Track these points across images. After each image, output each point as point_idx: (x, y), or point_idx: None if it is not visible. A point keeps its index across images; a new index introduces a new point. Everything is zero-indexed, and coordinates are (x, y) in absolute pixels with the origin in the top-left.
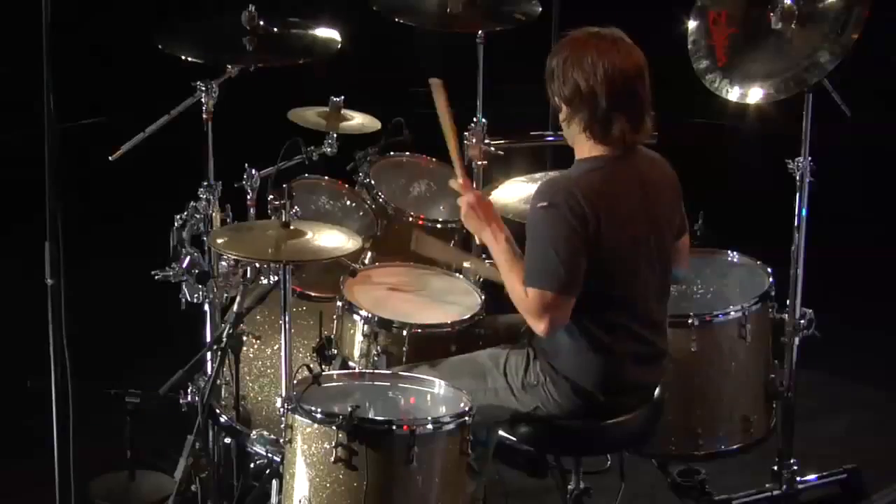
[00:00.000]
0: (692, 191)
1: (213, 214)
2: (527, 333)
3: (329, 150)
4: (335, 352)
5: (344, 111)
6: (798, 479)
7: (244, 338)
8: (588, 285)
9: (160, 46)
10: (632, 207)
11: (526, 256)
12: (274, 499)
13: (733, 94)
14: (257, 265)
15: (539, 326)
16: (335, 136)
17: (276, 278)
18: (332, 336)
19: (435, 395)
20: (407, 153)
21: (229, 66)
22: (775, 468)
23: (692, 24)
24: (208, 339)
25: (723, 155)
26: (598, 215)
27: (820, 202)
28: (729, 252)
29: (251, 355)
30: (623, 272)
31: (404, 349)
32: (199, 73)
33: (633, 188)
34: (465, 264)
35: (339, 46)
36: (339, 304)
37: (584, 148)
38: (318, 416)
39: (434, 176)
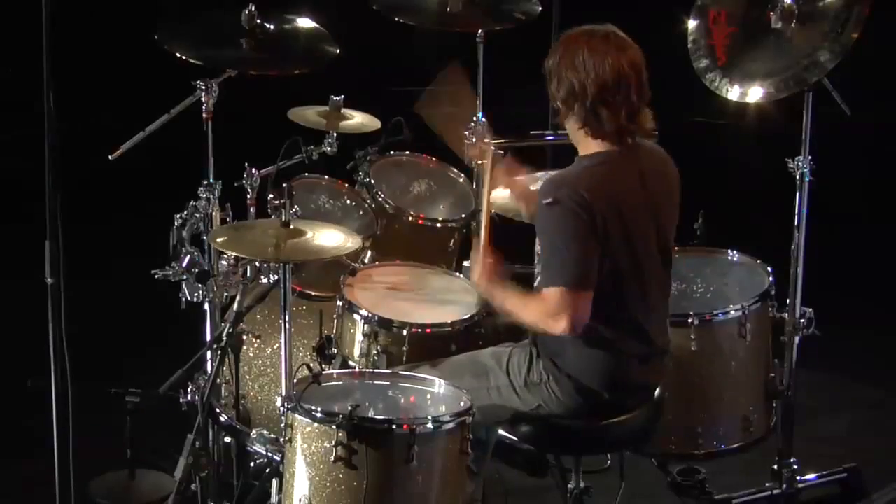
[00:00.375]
0: (692, 191)
1: (213, 213)
2: (530, 332)
3: (329, 149)
4: (335, 351)
5: (344, 110)
6: (798, 478)
7: (244, 337)
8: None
9: (156, 38)
10: (635, 202)
11: (541, 259)
12: (274, 498)
13: (733, 93)
14: (257, 264)
15: (560, 325)
16: (335, 135)
17: (276, 277)
18: (332, 335)
19: (435, 394)
20: (407, 153)
21: None
22: (775, 467)
23: (692, 24)
24: (208, 338)
25: (723, 154)
26: (603, 210)
27: (820, 202)
28: (729, 251)
29: (251, 354)
30: (628, 268)
31: (404, 349)
32: (199, 72)
33: (634, 183)
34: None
35: (337, 52)
36: (339, 303)
37: (585, 144)
38: (318, 415)
39: (434, 175)
